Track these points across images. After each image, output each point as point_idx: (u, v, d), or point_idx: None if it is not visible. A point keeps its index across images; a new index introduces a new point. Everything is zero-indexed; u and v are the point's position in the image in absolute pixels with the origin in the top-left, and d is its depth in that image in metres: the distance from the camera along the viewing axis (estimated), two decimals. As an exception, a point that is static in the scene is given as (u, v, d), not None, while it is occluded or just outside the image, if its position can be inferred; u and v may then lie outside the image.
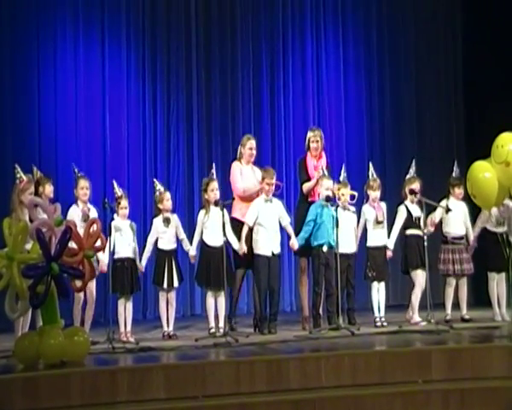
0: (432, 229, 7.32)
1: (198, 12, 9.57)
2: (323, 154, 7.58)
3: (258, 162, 7.68)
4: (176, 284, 6.99)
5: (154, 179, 7.42)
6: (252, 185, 7.24)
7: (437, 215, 7.45)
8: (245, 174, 7.29)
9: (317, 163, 7.48)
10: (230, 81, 9.65)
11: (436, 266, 7.48)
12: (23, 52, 8.77)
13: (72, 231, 5.80)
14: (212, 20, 9.62)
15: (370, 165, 7.58)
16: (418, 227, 7.29)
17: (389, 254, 7.33)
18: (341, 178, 7.43)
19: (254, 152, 7.41)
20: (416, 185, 7.37)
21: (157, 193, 7.09)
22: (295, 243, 7.11)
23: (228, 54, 9.65)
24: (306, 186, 7.40)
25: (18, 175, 6.51)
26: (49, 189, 6.70)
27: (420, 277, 7.25)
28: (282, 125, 9.78)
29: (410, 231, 7.36)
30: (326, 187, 7.15)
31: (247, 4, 9.75)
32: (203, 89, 9.53)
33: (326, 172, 7.25)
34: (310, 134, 7.56)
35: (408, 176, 7.51)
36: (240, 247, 6.96)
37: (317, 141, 7.47)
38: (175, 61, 9.46)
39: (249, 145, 7.39)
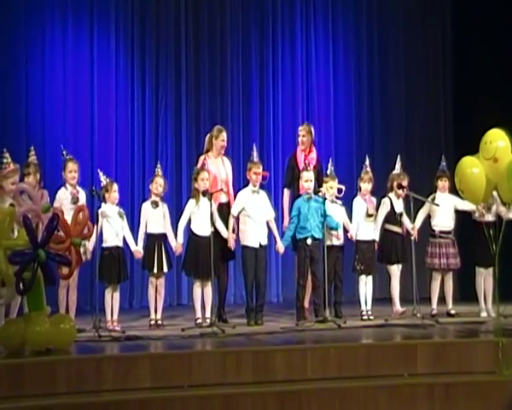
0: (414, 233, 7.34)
1: (188, 4, 9.52)
2: (314, 148, 7.58)
3: (248, 156, 7.64)
4: (165, 269, 6.95)
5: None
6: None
7: (423, 211, 7.46)
8: (210, 170, 7.20)
9: (306, 157, 7.49)
10: (220, 71, 9.61)
11: (422, 260, 7.50)
12: (10, 39, 8.68)
13: (60, 219, 5.77)
14: (202, 13, 9.56)
15: (366, 157, 7.60)
16: (397, 224, 7.34)
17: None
18: (329, 172, 7.43)
19: (226, 144, 7.38)
20: (405, 182, 7.38)
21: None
22: (281, 247, 7.16)
23: (217, 45, 9.62)
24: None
25: (5, 160, 6.44)
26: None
27: (394, 271, 7.34)
28: (270, 119, 9.74)
29: (388, 226, 7.38)
30: (305, 179, 7.14)
31: (237, -1, 9.75)
32: (192, 78, 9.49)
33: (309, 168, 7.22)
34: (299, 129, 7.62)
35: (395, 171, 7.52)
36: (228, 238, 6.97)
37: (304, 135, 7.49)
38: (164, 50, 9.42)
39: (222, 137, 7.35)
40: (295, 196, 7.39)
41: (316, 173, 7.31)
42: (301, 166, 7.40)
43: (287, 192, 7.60)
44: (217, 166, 7.28)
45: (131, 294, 8.86)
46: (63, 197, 6.72)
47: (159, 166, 7.21)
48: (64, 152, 6.92)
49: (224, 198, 7.18)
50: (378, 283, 7.87)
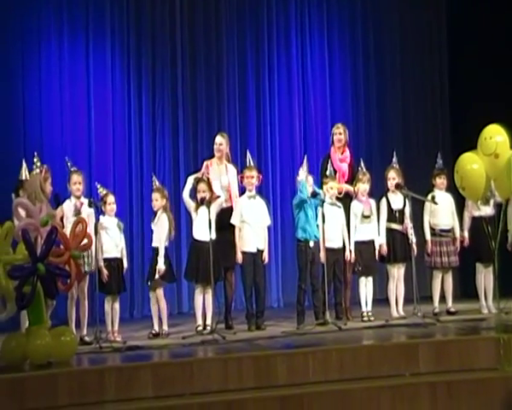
0: None
1: (183, 10, 9.54)
2: (346, 148, 7.71)
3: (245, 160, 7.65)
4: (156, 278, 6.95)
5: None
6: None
7: (426, 212, 7.47)
8: (210, 176, 7.25)
9: (341, 156, 7.62)
10: (216, 79, 9.63)
11: (422, 258, 7.49)
12: (7, 52, 8.69)
13: (58, 232, 5.79)
14: (197, 21, 9.58)
15: (361, 159, 7.62)
16: (396, 221, 7.34)
17: (384, 249, 7.30)
18: (328, 173, 7.43)
19: (222, 148, 7.35)
20: (392, 174, 7.42)
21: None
22: (266, 258, 7.16)
23: (213, 53, 9.63)
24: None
25: (38, 164, 6.47)
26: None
27: (392, 272, 7.35)
28: (267, 125, 9.74)
29: (386, 224, 7.38)
30: (310, 183, 7.14)
31: (232, 2, 9.74)
32: (188, 87, 9.50)
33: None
34: (333, 128, 7.75)
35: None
36: (238, 256, 7.03)
37: (340, 133, 7.64)
38: (160, 60, 9.43)
39: (216, 140, 7.42)
40: None
41: (351, 172, 7.56)
42: (336, 165, 7.54)
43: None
44: (219, 173, 7.30)
45: (132, 304, 8.86)
46: (67, 209, 6.71)
47: (154, 179, 7.26)
48: (69, 164, 6.90)
49: (224, 204, 7.19)
50: (378, 283, 7.87)
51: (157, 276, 6.90)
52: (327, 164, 7.53)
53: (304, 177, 7.12)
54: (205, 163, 7.41)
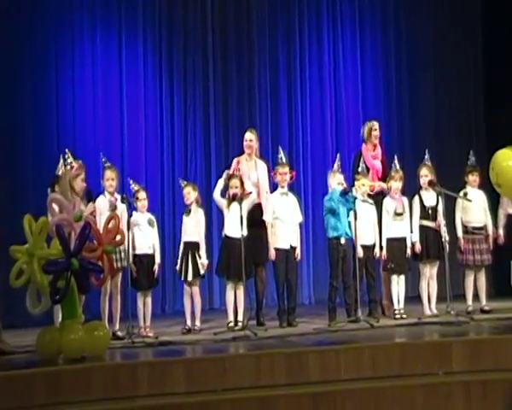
0: None
1: (214, 8, 9.57)
2: (378, 145, 7.72)
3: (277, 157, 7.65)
4: (201, 273, 7.00)
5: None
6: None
7: (459, 209, 7.40)
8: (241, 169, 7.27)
9: (373, 153, 7.61)
10: (247, 78, 9.66)
11: (455, 256, 7.42)
12: (41, 53, 8.79)
13: (92, 227, 5.84)
14: (229, 19, 9.62)
15: (395, 157, 7.56)
16: (428, 218, 7.27)
17: (417, 247, 7.24)
18: (360, 169, 7.40)
19: (252, 144, 7.37)
20: (424, 171, 7.35)
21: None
22: (299, 255, 7.14)
23: (244, 48, 9.67)
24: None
25: (69, 160, 6.53)
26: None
27: (424, 269, 7.26)
28: (299, 123, 9.75)
29: (420, 221, 7.32)
30: (338, 181, 7.11)
31: (264, 0, 9.76)
32: (220, 86, 9.55)
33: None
34: (369, 124, 7.72)
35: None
36: (269, 249, 7.02)
37: (377, 129, 7.67)
38: (192, 56, 9.49)
39: (245, 137, 7.43)
40: None
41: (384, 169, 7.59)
42: (369, 162, 7.54)
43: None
44: (248, 169, 7.31)
45: (164, 299, 8.93)
46: (102, 205, 6.74)
47: (181, 181, 7.29)
48: (103, 159, 6.97)
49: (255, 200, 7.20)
50: (410, 281, 7.81)
51: (202, 271, 6.95)
52: (359, 161, 7.50)
53: (335, 185, 7.09)
54: (235, 160, 7.43)
